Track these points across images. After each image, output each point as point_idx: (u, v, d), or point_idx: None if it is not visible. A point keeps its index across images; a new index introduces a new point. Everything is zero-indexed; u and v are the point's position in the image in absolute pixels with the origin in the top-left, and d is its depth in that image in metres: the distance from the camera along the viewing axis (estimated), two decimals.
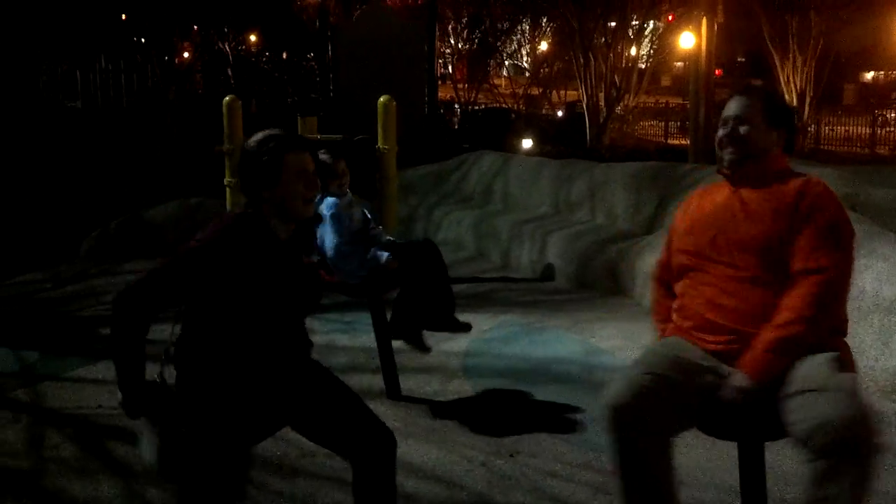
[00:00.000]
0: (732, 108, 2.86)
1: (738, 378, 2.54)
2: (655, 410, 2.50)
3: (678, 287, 2.89)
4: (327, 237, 4.58)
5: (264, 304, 2.56)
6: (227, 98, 7.36)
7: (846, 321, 2.72)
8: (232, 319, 2.56)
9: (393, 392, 4.66)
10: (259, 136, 2.65)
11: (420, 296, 4.74)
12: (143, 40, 24.62)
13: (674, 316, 2.86)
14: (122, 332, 2.43)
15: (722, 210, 2.82)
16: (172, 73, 20.41)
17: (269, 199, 2.59)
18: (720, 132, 2.87)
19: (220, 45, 25.80)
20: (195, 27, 27.39)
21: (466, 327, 4.99)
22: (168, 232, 9.05)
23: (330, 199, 4.60)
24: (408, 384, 4.77)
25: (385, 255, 4.59)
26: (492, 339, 5.73)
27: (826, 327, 2.62)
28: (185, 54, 27.82)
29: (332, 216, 4.58)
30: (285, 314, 2.65)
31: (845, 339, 2.71)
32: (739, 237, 2.73)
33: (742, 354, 2.58)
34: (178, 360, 2.61)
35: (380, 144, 7.20)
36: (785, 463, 3.65)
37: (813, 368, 2.50)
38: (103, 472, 3.73)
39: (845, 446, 2.24)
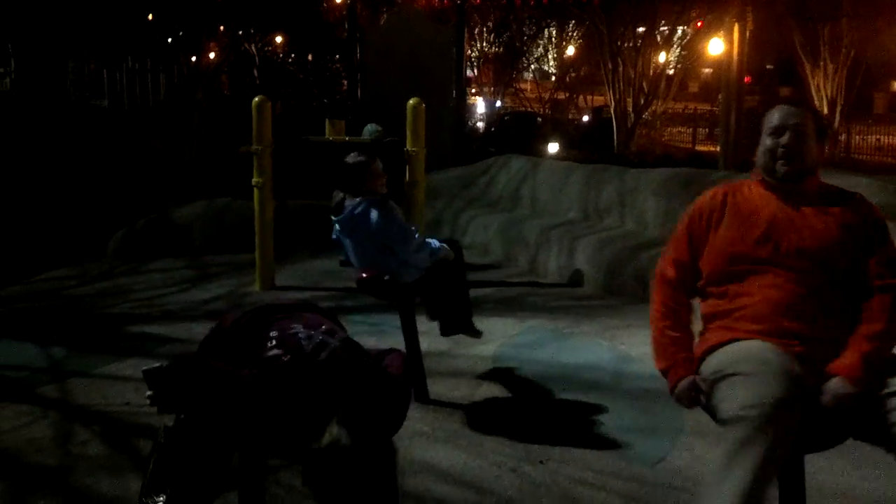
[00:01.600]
0: (787, 118, 2.82)
1: (842, 385, 2.52)
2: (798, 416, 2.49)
3: (725, 289, 2.82)
4: (397, 238, 4.58)
5: None
6: (257, 99, 7.35)
7: None
8: None
9: (421, 396, 4.62)
10: None
11: (452, 290, 4.78)
12: (169, 41, 24.76)
13: (720, 321, 2.79)
14: None
15: (778, 218, 2.79)
16: (199, 74, 20.47)
17: None
18: (771, 141, 2.82)
19: (247, 46, 25.89)
20: (221, 28, 27.52)
21: (478, 334, 5.04)
22: (194, 232, 9.08)
23: (379, 205, 4.60)
24: (436, 388, 4.73)
25: (442, 245, 4.71)
26: (520, 345, 5.68)
27: None
28: (212, 55, 27.96)
29: (395, 215, 4.61)
30: None
31: None
32: (805, 246, 2.71)
33: (824, 362, 2.58)
34: None
35: (409, 147, 7.17)
36: (820, 475, 3.58)
37: None
38: (131, 469, 3.71)
39: None
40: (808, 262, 2.70)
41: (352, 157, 4.69)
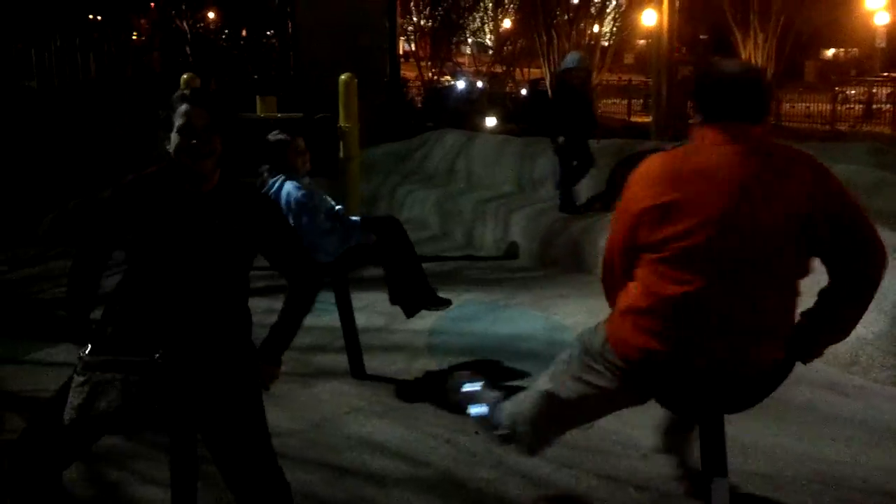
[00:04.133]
0: None
1: None
2: None
3: None
4: (302, 218, 4.51)
5: (153, 249, 2.55)
6: (186, 75, 7.25)
7: None
8: (134, 262, 2.62)
9: (357, 371, 4.65)
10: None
11: (402, 266, 4.75)
12: (99, 18, 24.17)
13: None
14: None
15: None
16: (129, 52, 20.06)
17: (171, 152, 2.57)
18: None
19: (178, 23, 25.39)
20: (152, 4, 26.94)
21: (447, 302, 4.92)
22: (107, 213, 8.91)
23: (289, 183, 4.53)
24: (372, 363, 4.76)
25: (358, 232, 4.65)
26: (456, 318, 5.72)
27: None
28: (142, 32, 27.37)
29: (304, 196, 4.51)
30: (176, 267, 2.54)
31: None
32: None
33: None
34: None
35: (341, 123, 7.14)
36: (744, 436, 3.70)
37: None
38: None
39: None
40: None
41: (273, 135, 4.65)
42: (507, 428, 3.07)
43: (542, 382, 2.94)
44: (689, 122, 2.70)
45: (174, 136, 2.51)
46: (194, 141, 2.49)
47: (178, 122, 2.51)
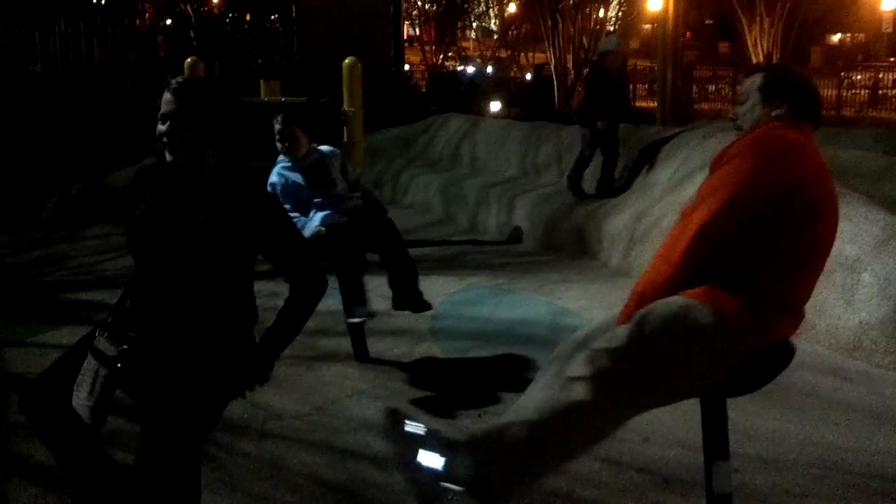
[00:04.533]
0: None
1: None
2: None
3: None
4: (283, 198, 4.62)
5: (133, 239, 2.55)
6: (189, 60, 7.24)
7: None
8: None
9: (361, 355, 4.66)
10: None
11: (389, 264, 4.74)
12: (103, 2, 24.09)
13: None
14: None
15: None
16: (133, 36, 20.00)
17: None
18: None
19: (182, 7, 25.29)
20: None
21: (427, 307, 4.84)
22: (129, 196, 8.94)
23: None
24: (376, 347, 4.77)
25: (315, 225, 4.57)
26: (460, 302, 5.74)
27: None
28: (147, 17, 27.29)
29: (271, 185, 4.69)
30: (152, 259, 2.53)
31: None
32: None
33: None
34: None
35: (345, 107, 7.13)
36: (746, 420, 3.71)
37: None
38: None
39: None
40: None
41: (276, 121, 4.72)
42: (472, 481, 2.43)
43: (552, 392, 2.48)
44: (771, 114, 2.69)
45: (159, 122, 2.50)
46: (163, 129, 2.47)
47: (161, 109, 2.50)
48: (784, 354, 2.64)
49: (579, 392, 2.42)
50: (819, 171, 2.57)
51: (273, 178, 4.73)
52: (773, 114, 2.68)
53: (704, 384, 2.55)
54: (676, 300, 2.49)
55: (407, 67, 26.95)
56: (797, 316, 2.60)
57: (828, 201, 2.57)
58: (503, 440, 2.44)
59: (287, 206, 4.46)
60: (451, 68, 28.86)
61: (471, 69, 28.16)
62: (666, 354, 2.44)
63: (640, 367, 2.43)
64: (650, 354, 2.43)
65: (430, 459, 2.52)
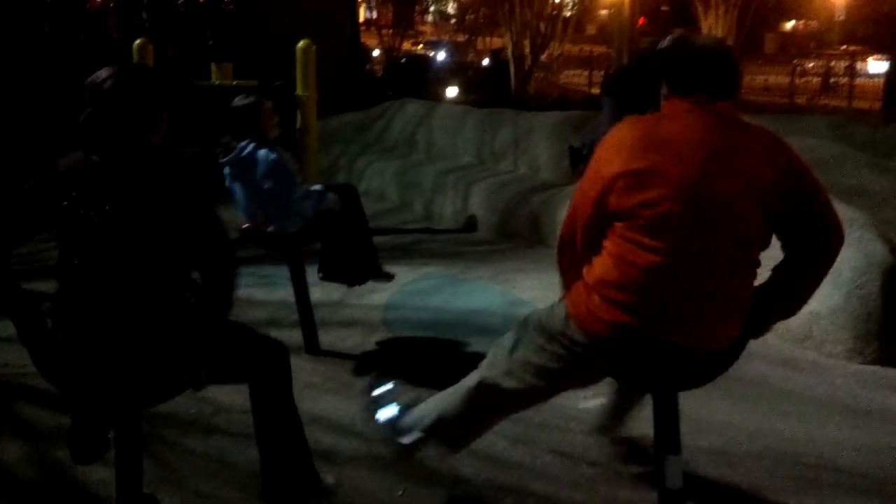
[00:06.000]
0: None
1: None
2: None
3: None
4: (283, 182, 4.44)
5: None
6: (138, 41, 7.08)
7: None
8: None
9: (312, 347, 4.59)
10: None
11: (355, 234, 4.71)
12: None
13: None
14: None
15: None
16: (84, 16, 19.59)
17: None
18: None
19: None
20: None
21: (389, 277, 4.93)
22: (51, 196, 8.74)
23: (263, 149, 4.46)
24: (328, 338, 4.71)
25: (331, 194, 4.58)
26: (414, 292, 5.69)
27: None
28: None
29: (281, 159, 4.46)
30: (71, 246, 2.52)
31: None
32: None
33: None
34: None
35: (299, 92, 7.02)
36: (696, 411, 3.71)
37: None
38: (10, 432, 3.60)
39: None
40: None
41: (240, 100, 4.54)
42: (422, 431, 2.94)
43: (478, 374, 2.85)
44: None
45: None
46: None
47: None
48: (737, 347, 2.64)
49: (488, 375, 2.81)
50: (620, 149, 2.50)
51: (276, 154, 4.48)
52: (663, 93, 2.64)
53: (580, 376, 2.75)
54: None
55: (376, 53, 26.74)
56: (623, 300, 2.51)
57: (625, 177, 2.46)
58: (449, 404, 2.91)
59: (294, 181, 4.48)
60: (415, 53, 28.72)
61: (442, 55, 28.03)
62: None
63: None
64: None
65: (388, 412, 3.07)
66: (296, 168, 4.74)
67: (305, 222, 4.49)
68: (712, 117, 2.50)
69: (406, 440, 2.99)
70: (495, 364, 2.82)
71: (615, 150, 2.53)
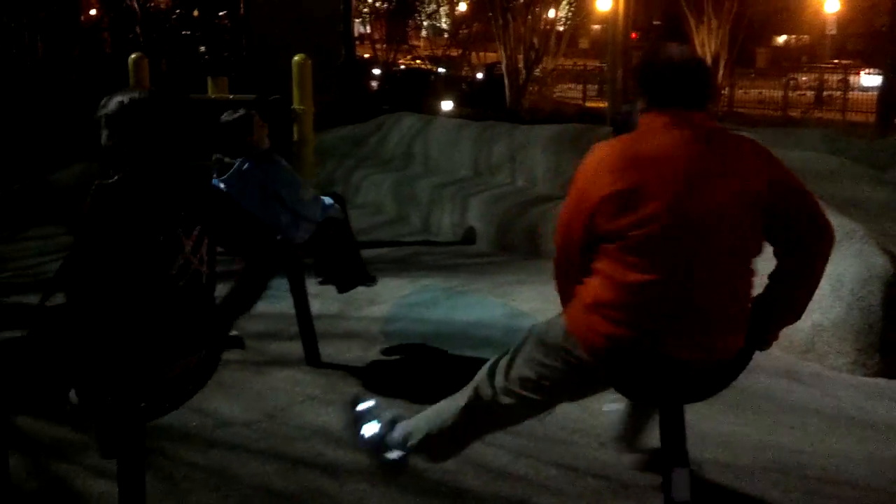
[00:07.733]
0: None
1: None
2: None
3: None
4: (289, 193, 4.46)
5: None
6: (134, 56, 7.07)
7: None
8: None
9: (312, 359, 4.56)
10: None
11: (343, 243, 4.80)
12: None
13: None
14: None
15: None
16: (78, 32, 19.62)
17: None
18: None
19: (129, 2, 24.87)
20: None
21: (373, 279, 5.05)
22: (73, 195, 8.73)
23: (263, 164, 4.48)
24: (328, 351, 4.68)
25: (333, 204, 4.68)
26: (413, 304, 5.67)
27: None
28: (92, 12, 26.79)
29: (285, 171, 4.52)
30: None
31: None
32: None
33: None
34: None
35: (295, 105, 7.02)
36: (701, 423, 3.69)
37: None
38: (9, 446, 3.55)
39: None
40: None
41: (228, 115, 4.54)
42: (410, 446, 2.96)
43: (471, 391, 2.85)
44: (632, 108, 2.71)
45: None
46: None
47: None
48: (742, 359, 2.62)
49: (484, 390, 2.81)
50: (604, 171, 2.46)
51: (278, 166, 4.57)
52: (640, 108, 2.62)
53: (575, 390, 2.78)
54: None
55: (377, 72, 26.74)
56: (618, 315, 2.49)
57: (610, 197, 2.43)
58: (439, 419, 2.92)
59: (300, 190, 4.55)
60: (410, 67, 28.78)
61: (438, 69, 28.00)
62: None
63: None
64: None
65: (371, 429, 3.08)
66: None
67: (313, 229, 4.54)
68: (691, 129, 2.49)
69: (392, 456, 3.01)
70: (490, 380, 2.80)
71: (597, 172, 2.50)
